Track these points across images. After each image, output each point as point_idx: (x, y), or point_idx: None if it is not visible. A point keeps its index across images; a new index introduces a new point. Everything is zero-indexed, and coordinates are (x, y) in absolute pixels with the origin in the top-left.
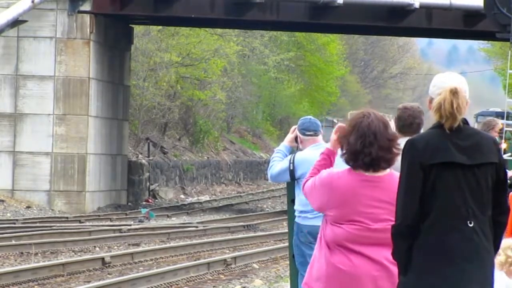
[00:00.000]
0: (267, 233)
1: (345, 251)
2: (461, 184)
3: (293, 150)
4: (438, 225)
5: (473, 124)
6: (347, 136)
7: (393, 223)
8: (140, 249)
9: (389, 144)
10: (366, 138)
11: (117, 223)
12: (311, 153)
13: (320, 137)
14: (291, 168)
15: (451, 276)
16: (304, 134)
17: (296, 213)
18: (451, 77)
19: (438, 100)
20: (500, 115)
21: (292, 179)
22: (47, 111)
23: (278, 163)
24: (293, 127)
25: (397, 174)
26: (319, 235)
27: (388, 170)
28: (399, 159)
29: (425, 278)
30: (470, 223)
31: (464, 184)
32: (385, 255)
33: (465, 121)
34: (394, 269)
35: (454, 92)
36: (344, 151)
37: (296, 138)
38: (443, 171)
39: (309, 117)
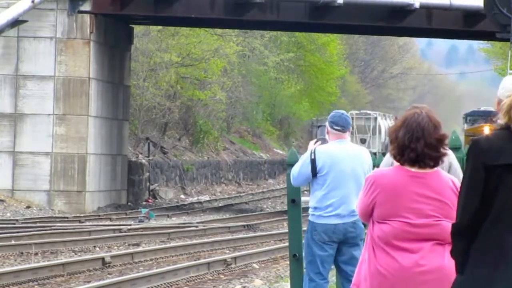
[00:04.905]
0: (267, 233)
1: (391, 250)
2: None
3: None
4: (497, 226)
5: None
6: (396, 131)
7: (439, 219)
8: (140, 249)
9: (436, 143)
10: (413, 133)
11: (117, 223)
12: (334, 147)
13: (347, 134)
14: (313, 157)
15: (507, 277)
16: (332, 127)
17: (310, 211)
18: None
19: (508, 102)
20: (491, 114)
21: (313, 170)
22: (47, 111)
23: (297, 164)
24: (312, 142)
25: (444, 172)
26: (366, 237)
27: (435, 169)
28: (445, 160)
29: (480, 278)
30: None
31: None
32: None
33: None
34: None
35: None
36: (392, 146)
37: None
38: (506, 173)
39: (341, 111)
